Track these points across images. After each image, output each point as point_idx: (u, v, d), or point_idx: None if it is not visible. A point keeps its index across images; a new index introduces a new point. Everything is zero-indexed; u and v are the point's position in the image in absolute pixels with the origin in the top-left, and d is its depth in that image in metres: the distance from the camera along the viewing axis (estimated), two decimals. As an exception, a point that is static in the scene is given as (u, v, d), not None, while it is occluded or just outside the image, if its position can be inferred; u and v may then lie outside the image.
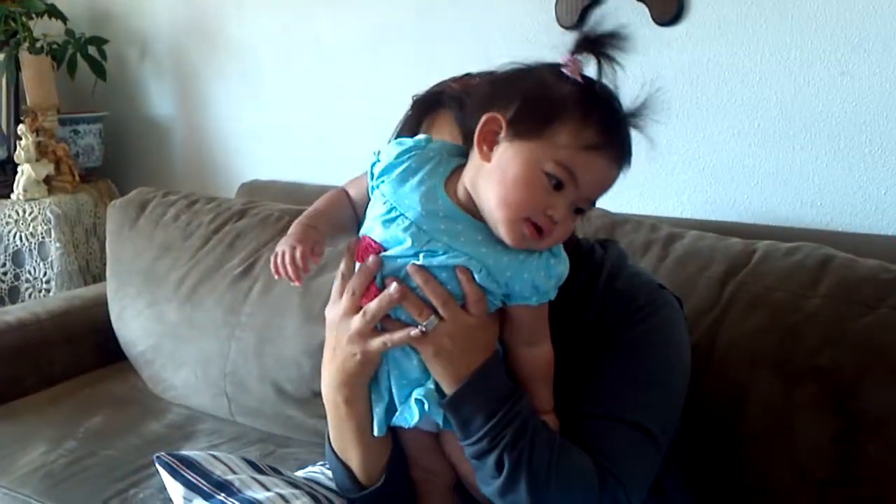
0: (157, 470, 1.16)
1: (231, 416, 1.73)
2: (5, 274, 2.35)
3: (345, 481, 1.05)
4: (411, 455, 1.04)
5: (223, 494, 1.07)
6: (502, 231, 0.87)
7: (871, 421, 1.20)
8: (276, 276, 0.96)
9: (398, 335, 0.90)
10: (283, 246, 0.95)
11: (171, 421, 1.73)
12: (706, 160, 1.72)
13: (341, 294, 0.94)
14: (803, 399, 1.24)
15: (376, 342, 0.91)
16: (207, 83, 2.50)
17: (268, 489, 1.08)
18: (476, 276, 0.88)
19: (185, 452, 1.16)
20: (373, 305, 0.91)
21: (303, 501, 1.06)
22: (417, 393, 0.92)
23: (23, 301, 2.28)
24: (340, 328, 0.94)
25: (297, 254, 0.93)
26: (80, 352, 1.98)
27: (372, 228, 0.93)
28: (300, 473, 1.25)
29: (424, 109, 1.03)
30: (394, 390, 0.95)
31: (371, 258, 0.91)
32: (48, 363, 1.92)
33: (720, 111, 1.68)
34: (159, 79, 2.62)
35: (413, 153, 0.92)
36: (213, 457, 1.16)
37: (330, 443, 1.05)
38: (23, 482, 1.50)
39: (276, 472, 1.17)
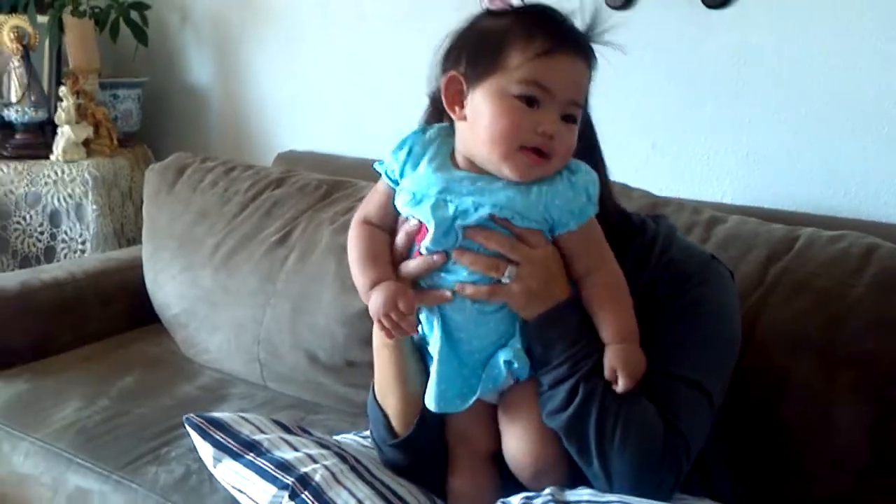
0: (186, 431, 1.16)
1: (263, 382, 1.74)
2: (42, 234, 2.37)
3: (381, 431, 1.09)
4: (450, 419, 1.05)
5: (252, 454, 1.08)
6: (506, 170, 0.90)
7: (911, 410, 1.19)
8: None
9: (430, 296, 0.94)
10: (380, 312, 0.95)
11: (203, 384, 1.75)
12: (749, 146, 1.70)
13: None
14: (843, 386, 1.23)
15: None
16: (247, 51, 2.50)
17: (296, 449, 1.09)
18: (513, 221, 0.91)
19: (214, 414, 1.17)
20: (412, 265, 0.95)
21: (331, 462, 1.06)
22: (505, 355, 0.94)
23: (58, 261, 2.30)
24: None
25: (402, 307, 0.93)
26: (114, 312, 2.00)
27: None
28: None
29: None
30: (457, 366, 0.96)
31: (411, 223, 0.95)
32: (83, 322, 1.94)
33: (766, 97, 1.66)
34: (199, 46, 2.63)
35: (414, 141, 0.96)
36: (242, 418, 1.16)
37: (374, 391, 1.10)
38: (57, 436, 1.52)
39: (306, 432, 1.18)
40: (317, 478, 1.03)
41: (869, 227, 1.43)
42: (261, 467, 1.06)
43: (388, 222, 1.00)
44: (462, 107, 0.93)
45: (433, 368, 0.97)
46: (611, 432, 0.94)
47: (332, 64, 2.32)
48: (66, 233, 2.36)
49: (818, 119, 1.61)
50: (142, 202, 2.07)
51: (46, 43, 2.52)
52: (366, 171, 2.00)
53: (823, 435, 1.23)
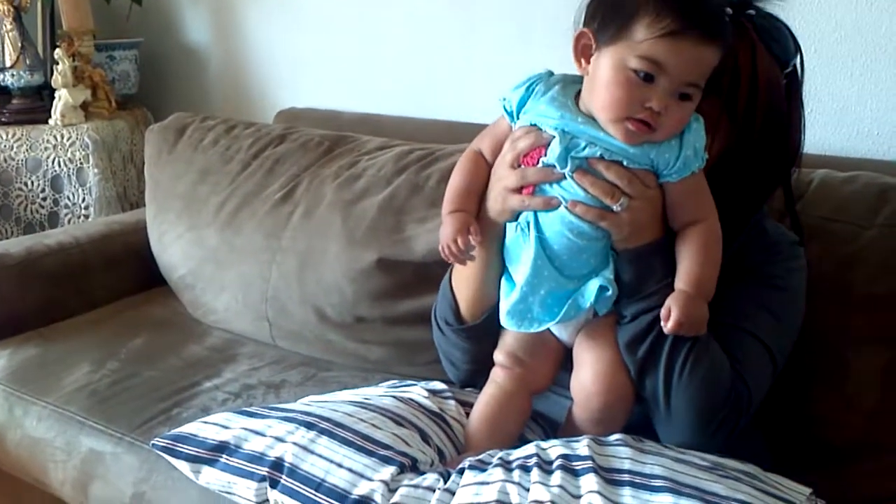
0: (157, 454, 1.16)
1: (272, 341, 1.74)
2: (45, 199, 2.35)
3: (447, 312, 1.15)
4: (510, 342, 1.09)
5: (224, 455, 1.08)
6: (612, 132, 0.95)
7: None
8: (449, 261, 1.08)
9: (537, 200, 0.99)
10: (444, 240, 1.05)
11: (212, 344, 1.74)
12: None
13: (509, 149, 1.03)
14: (856, 328, 1.23)
15: (516, 199, 1.00)
16: (243, 8, 2.45)
17: (262, 434, 1.08)
18: (624, 163, 0.96)
19: (175, 431, 1.16)
20: (532, 171, 0.99)
21: (299, 435, 1.05)
22: (600, 280, 0.98)
23: (62, 226, 2.29)
24: (498, 173, 1.04)
25: (460, 243, 1.03)
26: (120, 276, 1.99)
27: None
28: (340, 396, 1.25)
29: None
30: (548, 287, 1.00)
31: (540, 135, 0.99)
32: (89, 287, 1.93)
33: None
34: (195, 4, 2.58)
35: (539, 81, 1.02)
36: (204, 422, 1.16)
37: (450, 274, 1.16)
38: (69, 400, 1.52)
39: (273, 408, 1.17)
40: (289, 458, 1.03)
41: (883, 166, 1.41)
42: (235, 467, 1.06)
43: (496, 155, 1.06)
44: (588, 62, 0.97)
45: (517, 288, 1.02)
46: (680, 367, 0.98)
47: (330, 19, 2.27)
48: (68, 198, 2.34)
49: (829, 56, 1.57)
50: (143, 165, 2.04)
51: (39, 4, 2.47)
52: (366, 126, 2.01)
53: (837, 378, 1.23)
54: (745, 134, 1.03)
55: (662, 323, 0.96)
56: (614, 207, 0.96)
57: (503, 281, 1.07)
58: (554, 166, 0.97)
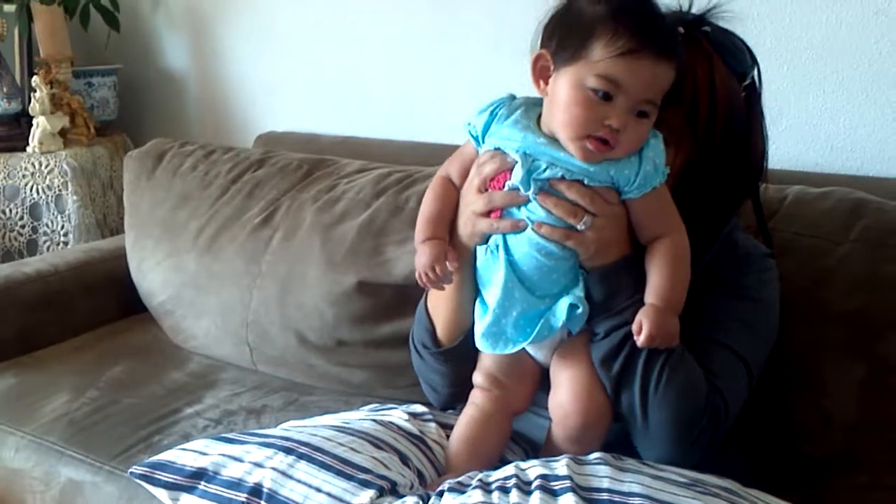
0: (137, 483, 1.14)
1: (253, 366, 1.73)
2: (23, 227, 2.33)
3: (424, 336, 1.17)
4: (488, 364, 1.10)
5: (202, 482, 1.07)
6: (572, 151, 0.96)
7: (899, 363, 1.20)
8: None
9: (505, 223, 1.00)
10: (421, 268, 1.05)
11: (192, 370, 1.73)
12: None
13: (475, 175, 1.05)
14: (831, 344, 1.23)
15: (484, 223, 1.02)
16: (221, 34, 2.46)
17: (241, 460, 1.07)
18: (584, 182, 0.97)
19: (154, 458, 1.15)
20: (498, 195, 1.01)
21: (277, 460, 1.04)
22: (570, 299, 0.99)
23: (41, 254, 2.28)
24: (466, 198, 1.06)
25: (438, 270, 1.04)
26: (100, 303, 1.97)
27: None
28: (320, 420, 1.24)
29: None
30: (519, 308, 1.01)
31: (505, 158, 1.01)
32: (68, 314, 1.91)
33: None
34: (173, 30, 2.59)
35: (502, 105, 1.03)
36: (182, 449, 1.15)
37: (426, 298, 1.18)
38: (47, 430, 1.50)
39: (252, 434, 1.16)
40: (267, 483, 1.02)
41: (856, 182, 1.43)
42: (214, 493, 1.05)
43: (465, 180, 1.07)
44: (546, 83, 0.99)
45: (489, 311, 1.02)
46: (656, 380, 0.99)
47: (308, 43, 2.28)
48: (47, 225, 2.33)
49: (802, 74, 1.60)
50: (123, 191, 2.04)
51: (16, 32, 2.47)
52: (345, 149, 2.01)
53: (814, 393, 1.23)
54: (707, 146, 1.05)
55: (635, 337, 0.97)
56: (578, 226, 0.97)
57: (477, 303, 1.08)
58: (519, 189, 0.98)
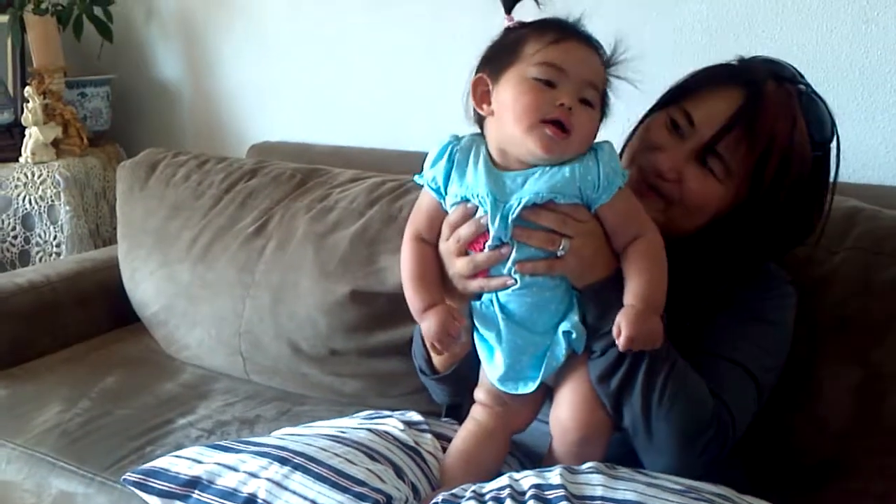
0: (130, 490, 1.14)
1: (246, 376, 1.72)
2: (16, 238, 2.33)
3: (421, 362, 1.20)
4: (487, 380, 1.09)
5: (197, 491, 1.06)
6: (531, 144, 0.96)
7: (893, 370, 1.20)
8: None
9: (494, 282, 1.01)
10: (433, 338, 1.03)
11: (185, 381, 1.72)
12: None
13: (449, 235, 1.04)
14: (827, 350, 1.24)
15: (474, 284, 1.03)
16: (214, 44, 2.46)
17: (236, 469, 1.06)
18: (556, 200, 0.97)
19: (147, 465, 1.14)
20: (481, 258, 1.01)
21: (272, 470, 1.04)
22: (564, 326, 1.00)
23: (33, 264, 2.27)
24: (448, 261, 1.05)
25: (452, 334, 1.02)
26: (93, 314, 1.97)
27: None
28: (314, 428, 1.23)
29: None
30: (529, 351, 1.02)
31: (481, 218, 1.00)
32: (61, 325, 1.91)
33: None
34: (166, 40, 2.59)
35: (454, 148, 1.03)
36: (176, 456, 1.14)
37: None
38: (39, 441, 1.49)
39: (248, 443, 1.15)
40: (262, 494, 1.01)
41: (848, 189, 1.40)
42: (208, 503, 1.04)
43: (437, 234, 1.07)
44: (489, 103, 1.01)
45: (501, 363, 1.03)
46: (658, 395, 0.99)
47: (301, 53, 2.29)
48: (39, 236, 2.32)
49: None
50: (116, 201, 2.03)
51: (8, 43, 2.46)
52: (338, 159, 2.01)
53: (809, 399, 1.23)
54: (767, 200, 1.07)
55: (616, 341, 0.96)
56: (558, 252, 0.98)
57: (476, 339, 1.07)
58: (499, 246, 0.99)
